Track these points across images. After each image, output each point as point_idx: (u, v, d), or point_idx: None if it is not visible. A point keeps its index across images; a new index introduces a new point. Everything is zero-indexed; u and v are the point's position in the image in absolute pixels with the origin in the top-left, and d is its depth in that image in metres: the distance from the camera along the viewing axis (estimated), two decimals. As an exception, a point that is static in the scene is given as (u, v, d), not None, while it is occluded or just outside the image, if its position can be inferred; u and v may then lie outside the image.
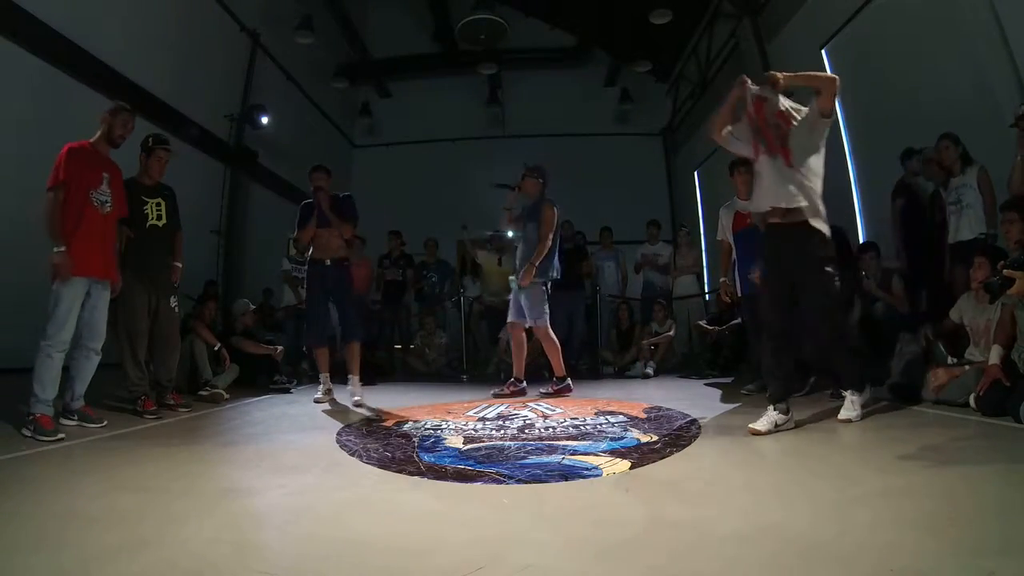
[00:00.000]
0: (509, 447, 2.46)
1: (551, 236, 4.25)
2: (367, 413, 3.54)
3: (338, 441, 2.67)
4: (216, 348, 4.40)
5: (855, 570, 1.20)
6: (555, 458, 2.24)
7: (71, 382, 3.01)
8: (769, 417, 2.61)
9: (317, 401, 4.01)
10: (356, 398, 3.85)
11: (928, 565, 1.20)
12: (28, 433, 2.67)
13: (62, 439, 2.65)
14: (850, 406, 2.74)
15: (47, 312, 2.85)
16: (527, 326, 4.38)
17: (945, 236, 3.92)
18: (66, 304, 2.86)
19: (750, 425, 2.57)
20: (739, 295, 4.25)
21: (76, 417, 3.00)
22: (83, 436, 2.81)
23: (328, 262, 4.06)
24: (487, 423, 3.10)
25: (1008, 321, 2.89)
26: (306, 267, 4.25)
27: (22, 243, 3.50)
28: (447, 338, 6.85)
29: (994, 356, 2.88)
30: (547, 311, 4.29)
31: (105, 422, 3.02)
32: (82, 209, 2.96)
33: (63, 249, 2.84)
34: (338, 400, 4.03)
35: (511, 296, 4.42)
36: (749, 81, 2.78)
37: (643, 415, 3.20)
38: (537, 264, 4.21)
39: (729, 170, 4.29)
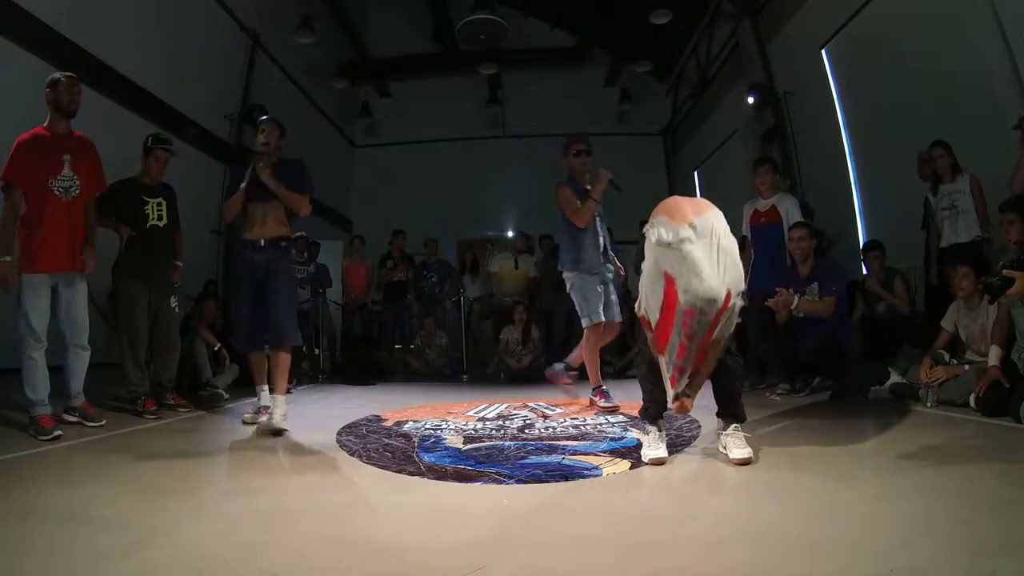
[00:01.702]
0: (509, 447, 2.46)
1: None
2: (280, 425, 2.84)
3: (338, 441, 2.67)
4: (216, 348, 4.40)
5: (855, 570, 1.20)
6: (555, 458, 2.24)
7: (66, 382, 2.99)
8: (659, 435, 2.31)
9: (247, 423, 3.12)
10: (275, 420, 2.86)
11: (928, 566, 1.20)
12: (32, 434, 2.68)
13: (59, 436, 2.65)
14: (739, 441, 2.13)
15: None
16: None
17: (932, 240, 3.97)
18: (26, 303, 2.77)
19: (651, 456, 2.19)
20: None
21: (76, 414, 3.00)
22: (83, 436, 2.81)
23: (262, 243, 3.08)
24: (487, 423, 3.10)
25: (1005, 320, 2.89)
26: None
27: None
28: (447, 338, 6.85)
29: (993, 357, 2.88)
30: None
31: (104, 421, 3.01)
32: (42, 202, 2.82)
33: (7, 259, 2.73)
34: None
35: (594, 289, 3.50)
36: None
37: (639, 417, 3.19)
38: None
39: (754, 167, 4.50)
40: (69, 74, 2.95)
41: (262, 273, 3.07)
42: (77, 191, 2.94)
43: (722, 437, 2.23)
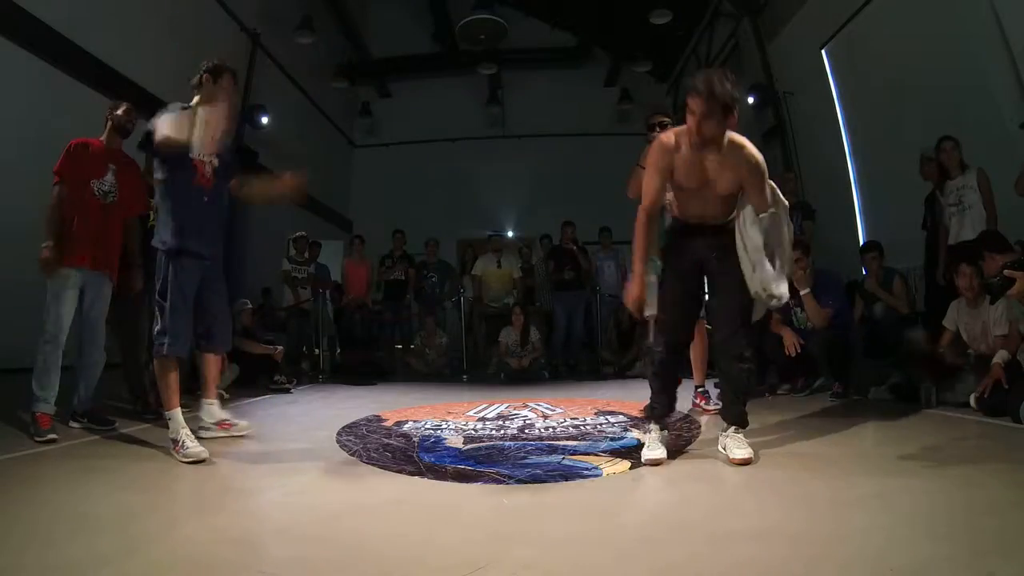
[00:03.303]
0: (509, 447, 2.46)
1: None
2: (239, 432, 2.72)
3: (338, 441, 2.67)
4: (216, 348, 4.39)
5: (854, 570, 1.20)
6: (555, 458, 2.24)
7: (76, 385, 2.96)
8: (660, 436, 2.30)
9: (186, 458, 2.26)
10: (242, 426, 2.77)
11: (927, 566, 1.20)
12: (32, 432, 2.67)
13: (54, 440, 2.62)
14: (740, 441, 2.15)
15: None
16: None
17: (942, 237, 3.94)
18: (53, 295, 2.81)
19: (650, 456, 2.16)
20: None
21: (85, 420, 2.96)
22: (83, 436, 2.81)
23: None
24: (487, 423, 3.10)
25: (1015, 336, 2.90)
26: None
27: (22, 242, 3.50)
28: (447, 338, 6.84)
29: (998, 357, 2.88)
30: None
31: (116, 423, 2.97)
32: (79, 198, 2.92)
33: (49, 243, 2.80)
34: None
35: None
36: None
37: (643, 415, 3.19)
38: None
39: None
40: (127, 103, 3.19)
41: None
42: (115, 198, 3.04)
43: (722, 438, 2.23)
